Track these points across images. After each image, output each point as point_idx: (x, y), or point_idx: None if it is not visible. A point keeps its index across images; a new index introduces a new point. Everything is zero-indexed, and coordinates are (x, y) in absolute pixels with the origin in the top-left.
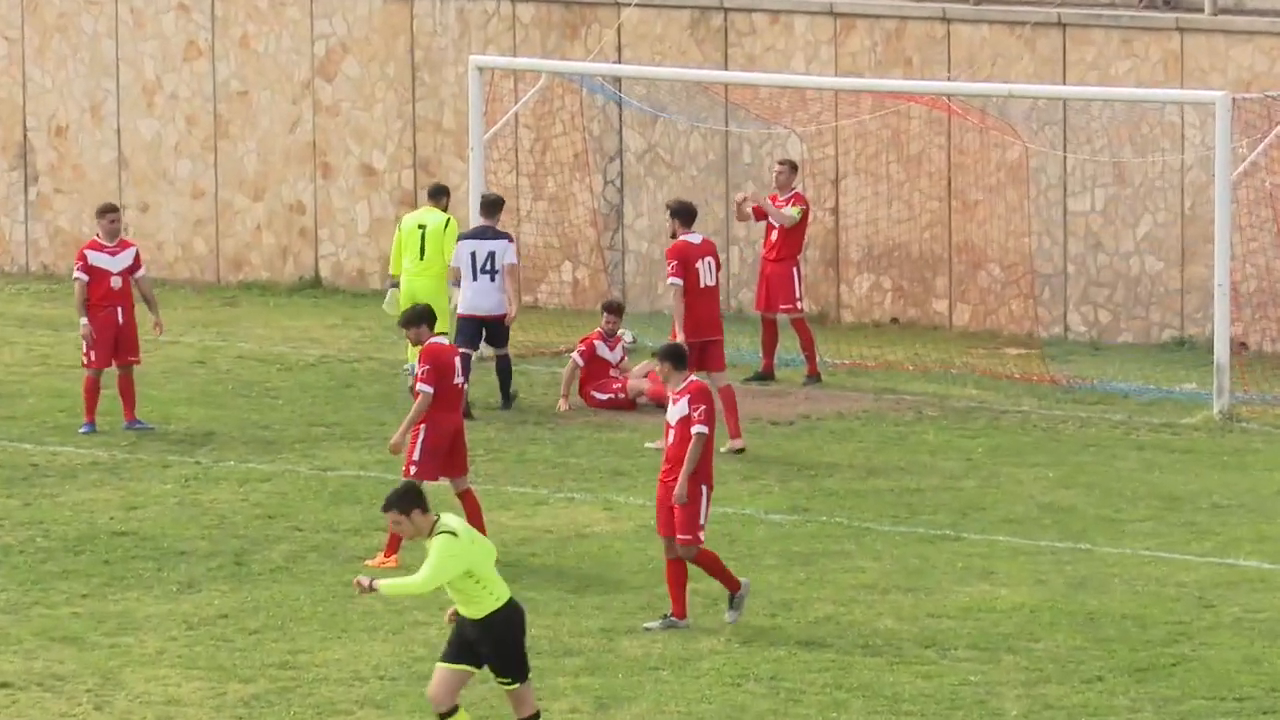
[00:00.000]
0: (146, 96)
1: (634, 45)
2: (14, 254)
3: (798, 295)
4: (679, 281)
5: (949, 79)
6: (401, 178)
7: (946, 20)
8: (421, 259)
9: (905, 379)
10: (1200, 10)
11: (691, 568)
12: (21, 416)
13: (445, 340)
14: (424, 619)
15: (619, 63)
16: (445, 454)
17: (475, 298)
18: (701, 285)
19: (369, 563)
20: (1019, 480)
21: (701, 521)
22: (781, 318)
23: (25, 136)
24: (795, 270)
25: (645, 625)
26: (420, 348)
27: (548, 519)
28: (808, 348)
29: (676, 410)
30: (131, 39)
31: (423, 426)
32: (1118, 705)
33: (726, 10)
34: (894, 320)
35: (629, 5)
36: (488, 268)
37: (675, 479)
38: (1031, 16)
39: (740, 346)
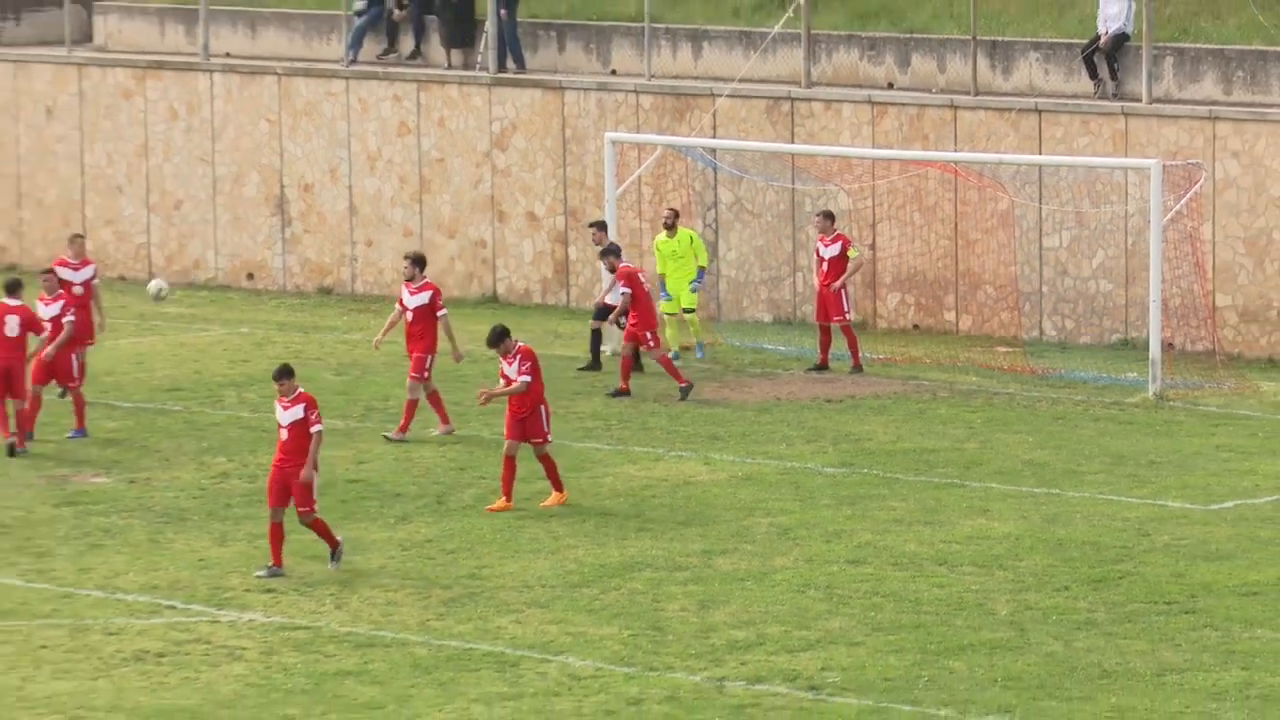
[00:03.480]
0: (370, 162)
1: (725, 125)
2: (274, 278)
3: (847, 309)
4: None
5: (955, 151)
6: (556, 222)
7: (954, 107)
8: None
9: (924, 370)
10: (1140, 100)
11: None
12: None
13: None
14: (573, 542)
15: (714, 137)
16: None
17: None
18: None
19: (545, 504)
20: (1007, 443)
21: (315, 496)
22: (833, 325)
23: (281, 191)
24: (844, 290)
25: (256, 573)
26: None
27: (663, 471)
28: (853, 347)
29: (290, 415)
30: (359, 120)
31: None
32: (1079, 606)
33: (793, 100)
34: (915, 326)
35: (721, 95)
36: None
37: (294, 466)
38: (1016, 104)
39: (804, 345)
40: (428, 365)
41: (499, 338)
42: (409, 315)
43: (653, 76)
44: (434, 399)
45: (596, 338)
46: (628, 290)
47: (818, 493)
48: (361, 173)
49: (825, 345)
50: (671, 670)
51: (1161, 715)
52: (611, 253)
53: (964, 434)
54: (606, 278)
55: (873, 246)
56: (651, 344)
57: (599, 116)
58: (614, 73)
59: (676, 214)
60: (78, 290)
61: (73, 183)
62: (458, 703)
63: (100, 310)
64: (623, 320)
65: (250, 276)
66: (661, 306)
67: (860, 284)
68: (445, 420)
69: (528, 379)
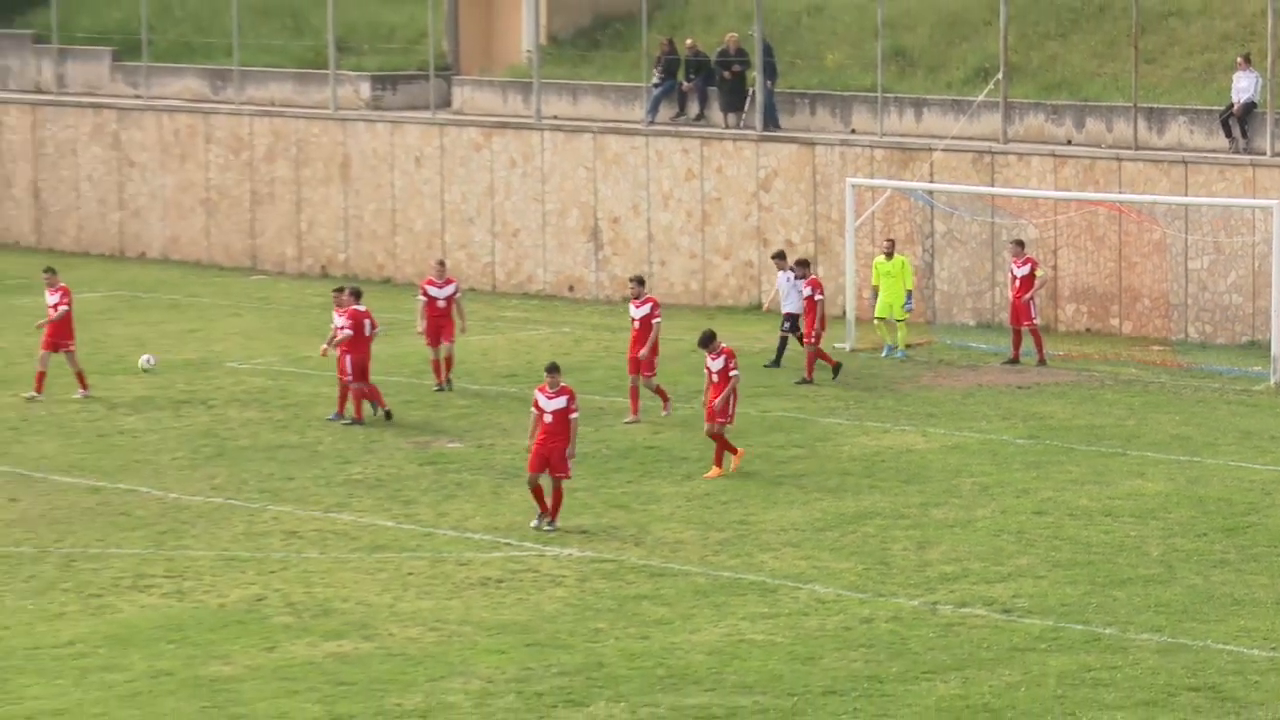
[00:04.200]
0: (663, 200)
1: (940, 172)
2: (590, 290)
3: (1034, 316)
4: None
5: (1120, 193)
6: (808, 248)
7: (1119, 160)
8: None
9: (1094, 364)
10: (1264, 154)
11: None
12: (593, 380)
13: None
14: (819, 496)
15: (931, 182)
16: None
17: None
18: None
19: (706, 476)
20: (1159, 421)
21: (571, 465)
22: (1023, 328)
23: (596, 223)
24: (1032, 301)
25: (532, 524)
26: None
27: (889, 441)
28: (1039, 346)
29: (555, 404)
30: (655, 167)
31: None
32: (1216, 549)
33: (993, 153)
34: (1087, 330)
35: (937, 150)
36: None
37: (553, 445)
38: (1167, 158)
39: (1000, 344)
40: (655, 362)
41: (709, 340)
42: (636, 323)
43: (884, 134)
44: (634, 392)
45: (783, 343)
46: (809, 292)
47: (1010, 459)
48: (657, 209)
49: (1017, 344)
50: (895, 596)
51: None
52: (803, 264)
53: (1125, 414)
54: (784, 287)
55: (1055, 267)
56: (813, 339)
57: (842, 165)
58: (854, 131)
59: (893, 243)
60: (441, 305)
61: (435, 216)
62: (729, 620)
63: (463, 317)
64: (786, 325)
65: (571, 289)
66: (877, 311)
67: (1044, 297)
68: (634, 411)
69: (738, 373)
